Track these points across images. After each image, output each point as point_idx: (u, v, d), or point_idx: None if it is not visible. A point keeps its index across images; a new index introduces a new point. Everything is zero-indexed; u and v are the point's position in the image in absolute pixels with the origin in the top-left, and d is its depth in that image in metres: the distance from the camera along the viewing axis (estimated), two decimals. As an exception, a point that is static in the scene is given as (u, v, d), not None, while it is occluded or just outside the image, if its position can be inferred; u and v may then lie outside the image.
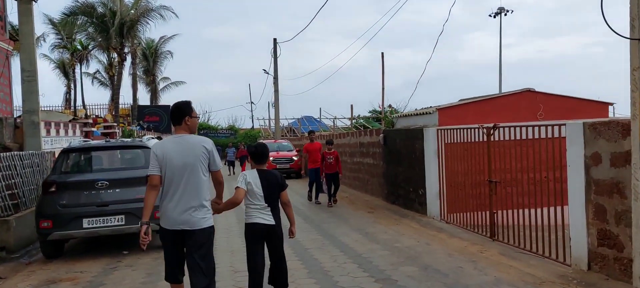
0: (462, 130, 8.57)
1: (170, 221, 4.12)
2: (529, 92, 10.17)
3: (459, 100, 10.93)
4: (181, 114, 4.26)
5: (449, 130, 9.11)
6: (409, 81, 79.16)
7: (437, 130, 9.59)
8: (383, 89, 15.80)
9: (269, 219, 4.57)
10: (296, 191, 15.48)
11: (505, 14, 42.05)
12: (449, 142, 9.20)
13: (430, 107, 10.52)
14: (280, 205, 4.73)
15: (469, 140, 8.36)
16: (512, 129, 7.24)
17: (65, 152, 7.98)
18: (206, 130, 49.42)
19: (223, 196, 4.58)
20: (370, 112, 38.77)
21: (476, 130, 8.11)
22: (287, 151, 22.12)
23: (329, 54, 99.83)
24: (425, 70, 14.24)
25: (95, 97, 70.22)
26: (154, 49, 45.26)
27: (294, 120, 45.14)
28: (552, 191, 6.24)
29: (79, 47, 27.53)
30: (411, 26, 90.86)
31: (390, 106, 12.68)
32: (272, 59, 32.61)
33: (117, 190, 7.60)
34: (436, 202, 9.62)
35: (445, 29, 23.30)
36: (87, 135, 16.98)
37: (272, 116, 46.34)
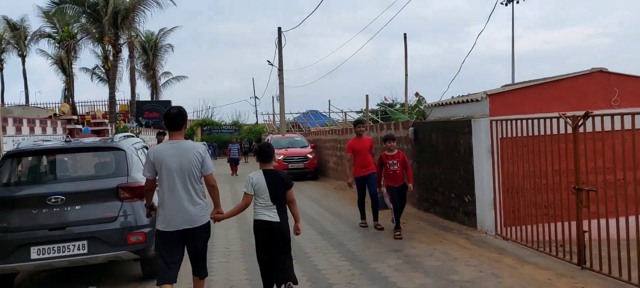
0: (530, 120, 6.55)
1: (171, 223, 4.38)
2: (601, 73, 8.14)
3: (514, 84, 8.88)
4: (183, 120, 4.55)
5: (509, 122, 7.10)
6: (416, 74, 77.20)
7: (492, 121, 7.57)
8: (406, 75, 13.92)
9: (274, 217, 4.73)
10: (314, 198, 13.36)
11: (518, 2, 40.33)
12: (507, 136, 7.20)
13: (477, 93, 8.45)
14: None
15: (541, 133, 6.36)
16: (609, 118, 5.26)
17: (9, 156, 6.03)
18: (210, 126, 47.72)
19: (219, 199, 4.72)
20: (378, 105, 36.92)
21: (554, 120, 6.10)
22: (301, 147, 19.16)
23: (333, 48, 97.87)
24: (449, 61, 12.37)
25: (96, 93, 68.26)
26: (154, 42, 43.42)
27: (299, 114, 43.24)
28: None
29: (68, 37, 25.61)
30: (415, 19, 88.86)
31: (417, 94, 10.71)
32: (277, 49, 30.57)
33: (77, 208, 5.65)
34: (490, 213, 7.63)
35: (450, 21, 21.07)
36: (71, 133, 15.07)
37: (277, 111, 44.66)
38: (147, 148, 8.03)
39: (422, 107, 10.54)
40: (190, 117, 55.91)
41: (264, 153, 4.91)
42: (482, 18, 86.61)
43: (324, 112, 42.37)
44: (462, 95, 9.73)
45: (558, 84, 8.19)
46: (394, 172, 8.01)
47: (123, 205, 5.82)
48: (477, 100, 8.33)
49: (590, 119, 5.56)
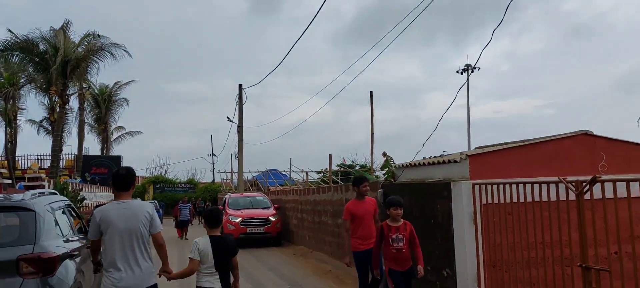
0: (521, 185, 5.74)
1: (120, 284, 4.27)
2: (586, 135, 7.53)
3: (494, 145, 8.17)
4: (132, 181, 4.59)
5: (495, 186, 6.27)
6: (375, 136, 78.11)
7: (474, 184, 6.73)
8: (372, 134, 13.21)
9: (216, 284, 4.73)
10: (279, 272, 11.93)
11: (472, 71, 42.01)
12: (492, 202, 6.37)
13: (454, 153, 7.67)
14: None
15: (535, 199, 5.55)
16: (613, 184, 4.51)
17: None
18: (163, 183, 45.68)
19: (168, 259, 4.72)
20: (338, 165, 36.27)
21: (552, 185, 5.30)
22: (263, 208, 17.20)
23: (294, 110, 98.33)
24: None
25: (43, 147, 64.86)
26: (108, 95, 41.70)
27: (258, 173, 41.93)
28: None
29: (8, 84, 23.78)
30: (373, 85, 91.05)
31: (384, 154, 9.90)
32: (237, 106, 29.76)
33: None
34: (474, 290, 6.64)
35: (406, 89, 20.82)
36: (-4, 189, 13.35)
37: (235, 169, 43.22)
38: (72, 208, 6.78)
39: (392, 168, 9.67)
40: (142, 174, 53.80)
41: (213, 218, 4.94)
42: (435, 86, 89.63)
43: (284, 171, 41.35)
44: (437, 156, 8.95)
45: (542, 146, 7.51)
46: (398, 250, 6.05)
47: (24, 284, 4.52)
48: (456, 161, 7.52)
49: (595, 185, 4.77)
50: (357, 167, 35.23)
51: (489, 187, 6.50)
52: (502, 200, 6.25)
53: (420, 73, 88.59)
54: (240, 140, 29.46)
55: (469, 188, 6.76)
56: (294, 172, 37.57)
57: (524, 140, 7.80)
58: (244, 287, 9.03)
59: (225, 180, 43.73)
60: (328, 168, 16.45)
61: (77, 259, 5.61)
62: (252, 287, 9.60)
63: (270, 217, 16.41)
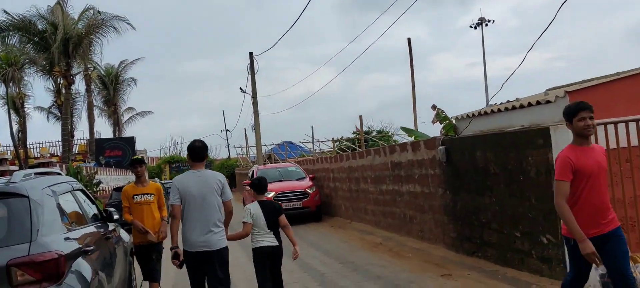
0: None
1: (193, 244, 4.68)
2: None
3: (593, 79, 6.67)
4: (206, 151, 5.01)
5: (613, 125, 4.84)
6: (384, 103, 76.28)
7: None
8: (413, 86, 11.78)
9: (273, 241, 5.23)
10: (323, 249, 10.63)
11: (487, 24, 40.35)
12: (606, 147, 4.96)
13: (547, 92, 6.20)
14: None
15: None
16: None
17: None
18: (179, 162, 44.66)
19: (229, 225, 5.03)
20: (353, 133, 34.78)
21: None
22: (297, 180, 14.94)
23: (300, 80, 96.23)
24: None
25: (54, 134, 64.11)
26: (115, 76, 40.33)
27: (273, 146, 40.68)
28: None
29: (5, 64, 22.38)
30: (379, 50, 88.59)
31: (434, 107, 8.43)
32: (249, 75, 28.27)
33: None
34: (592, 259, 5.25)
35: (413, 51, 19.13)
36: (1, 175, 12.17)
37: (250, 143, 41.96)
38: (84, 192, 5.51)
39: (451, 120, 8.21)
40: (156, 154, 52.93)
41: (261, 185, 5.46)
42: (443, 47, 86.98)
43: (300, 142, 40.03)
44: (512, 100, 7.46)
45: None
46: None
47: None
48: (548, 102, 6.06)
49: None
50: (374, 133, 33.75)
51: (603, 127, 5.08)
52: (621, 144, 4.84)
53: (427, 35, 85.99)
54: (256, 111, 28.08)
55: (579, 132, 5.29)
56: (309, 142, 36.16)
57: (631, 70, 6.30)
58: (289, 269, 7.76)
59: (241, 155, 42.57)
60: (357, 130, 14.89)
61: (94, 254, 4.32)
62: (297, 267, 8.32)
63: (307, 190, 14.25)
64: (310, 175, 15.23)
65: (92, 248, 4.28)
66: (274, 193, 13.02)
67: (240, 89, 30.19)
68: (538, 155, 5.86)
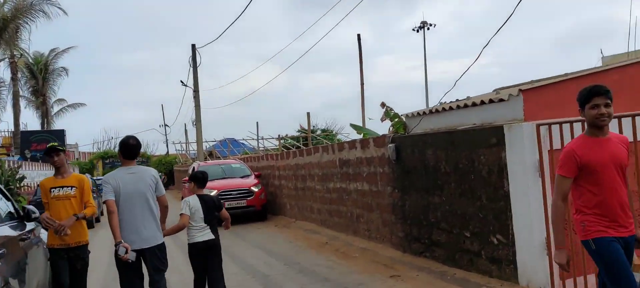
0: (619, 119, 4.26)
1: (129, 242, 4.48)
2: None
3: (547, 78, 6.69)
4: (139, 149, 4.87)
5: (569, 125, 4.79)
6: (328, 103, 77.01)
7: (539, 125, 5.21)
8: (362, 83, 11.57)
9: (209, 235, 5.19)
10: (267, 249, 10.23)
11: (428, 28, 41.64)
12: (560, 147, 4.92)
13: (498, 91, 6.15)
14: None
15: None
16: None
17: None
18: (113, 158, 42.55)
19: (165, 220, 5.01)
20: (298, 131, 34.52)
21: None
22: (241, 177, 14.30)
23: (243, 76, 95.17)
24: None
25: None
26: (44, 64, 37.79)
27: (215, 142, 39.66)
28: None
29: None
30: (324, 50, 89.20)
31: (383, 105, 8.25)
32: (191, 68, 27.30)
33: None
34: (542, 260, 5.21)
35: (356, 54, 19.08)
36: None
37: (191, 139, 40.58)
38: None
39: (401, 118, 8.06)
40: (89, 149, 50.21)
41: (202, 179, 5.46)
42: (385, 50, 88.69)
43: (243, 139, 39.25)
44: (464, 99, 7.40)
45: (604, 75, 6.08)
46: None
47: None
48: (501, 100, 5.99)
49: None
50: (318, 132, 33.64)
51: (557, 127, 5.05)
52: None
53: (370, 37, 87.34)
54: (197, 105, 27.13)
55: (532, 131, 5.24)
56: (253, 139, 35.47)
57: (580, 71, 6.36)
58: (231, 271, 7.33)
59: (181, 152, 41.20)
60: (302, 128, 14.58)
61: (6, 258, 3.74)
62: (239, 269, 7.90)
63: (252, 188, 13.61)
64: (256, 173, 14.74)
65: (2, 251, 3.70)
66: (216, 191, 12.43)
67: (181, 82, 29.12)
68: (490, 154, 5.78)
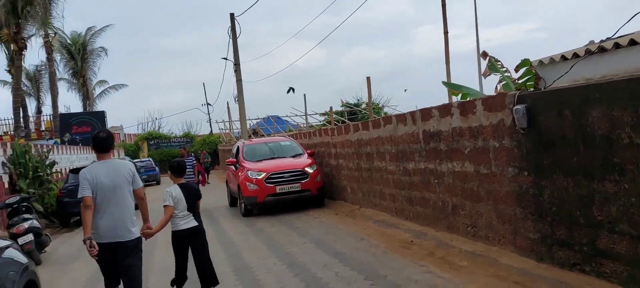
0: None
1: (104, 236, 4.52)
2: None
3: None
4: (113, 142, 4.86)
5: None
6: (372, 78, 74.07)
7: None
8: (446, 42, 9.28)
9: (193, 222, 5.36)
10: (332, 250, 7.96)
11: None
12: None
13: None
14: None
15: None
16: None
17: None
18: (158, 139, 41.73)
19: (148, 214, 4.97)
20: (342, 106, 32.14)
21: None
22: (293, 157, 12.15)
23: (283, 55, 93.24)
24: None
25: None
26: (82, 44, 36.76)
27: (259, 120, 37.93)
28: None
29: None
30: (362, 24, 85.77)
31: (484, 55, 5.97)
32: (230, 40, 25.29)
33: None
34: None
35: (397, 24, 16.80)
36: None
37: (234, 117, 38.95)
38: None
39: (533, 67, 5.54)
40: (134, 130, 49.65)
41: (180, 168, 5.55)
42: (426, 19, 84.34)
43: (286, 116, 37.35)
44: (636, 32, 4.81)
45: None
46: None
47: None
48: None
49: None
50: (363, 105, 31.23)
51: None
52: None
53: (409, 7, 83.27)
54: (239, 79, 25.23)
55: None
56: (297, 116, 33.33)
57: None
58: (290, 282, 5.14)
59: (224, 131, 39.72)
60: (344, 103, 12.09)
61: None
62: (302, 284, 5.69)
63: (306, 168, 11.38)
64: (309, 151, 12.47)
65: None
66: (265, 174, 10.24)
67: (224, 58, 27.27)
68: None
